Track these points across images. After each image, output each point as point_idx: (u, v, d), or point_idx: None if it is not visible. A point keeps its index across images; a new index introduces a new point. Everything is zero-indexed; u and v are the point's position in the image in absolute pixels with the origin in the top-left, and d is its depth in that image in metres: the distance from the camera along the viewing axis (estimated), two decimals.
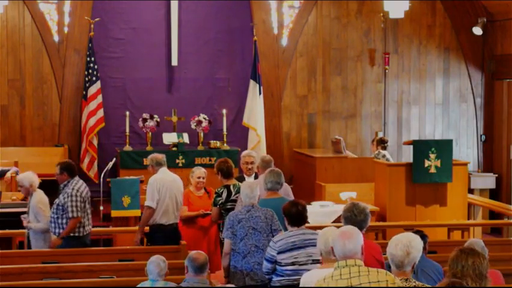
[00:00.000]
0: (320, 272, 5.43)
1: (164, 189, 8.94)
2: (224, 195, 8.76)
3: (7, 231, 9.63)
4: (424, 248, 6.62)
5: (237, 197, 8.62)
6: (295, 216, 6.69)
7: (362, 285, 4.57)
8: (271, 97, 14.60)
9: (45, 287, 7.35)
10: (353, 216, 6.04)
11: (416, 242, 4.91)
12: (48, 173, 13.09)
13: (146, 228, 9.19)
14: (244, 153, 9.62)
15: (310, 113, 14.88)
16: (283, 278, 6.65)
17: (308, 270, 6.18)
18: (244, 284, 7.23)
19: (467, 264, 4.72)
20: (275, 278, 6.68)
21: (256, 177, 9.16)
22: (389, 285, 4.58)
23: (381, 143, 12.80)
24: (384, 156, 12.56)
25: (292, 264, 6.56)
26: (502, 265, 7.51)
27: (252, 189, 7.44)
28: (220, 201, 8.75)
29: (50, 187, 13.27)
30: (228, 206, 8.71)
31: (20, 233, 9.90)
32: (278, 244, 6.61)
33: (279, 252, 6.58)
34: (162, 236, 8.94)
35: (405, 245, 4.86)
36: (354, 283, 4.57)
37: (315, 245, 6.19)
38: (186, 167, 12.69)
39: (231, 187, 8.79)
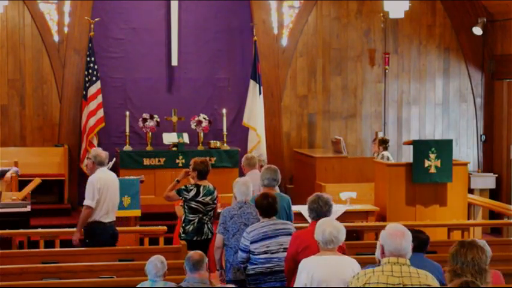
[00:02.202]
0: (317, 259, 5.73)
1: (106, 189, 8.91)
2: (192, 193, 8.74)
3: (7, 231, 9.62)
4: (425, 248, 6.67)
5: (203, 198, 8.74)
6: (266, 207, 7.08)
7: (413, 285, 4.72)
8: (271, 97, 14.60)
9: (45, 287, 7.34)
10: (319, 207, 6.52)
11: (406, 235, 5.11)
12: (48, 173, 13.14)
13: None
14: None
15: (310, 113, 14.87)
16: (256, 266, 7.03)
17: (279, 258, 6.91)
18: (236, 278, 7.46)
19: (467, 261, 4.73)
20: (250, 266, 7.07)
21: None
22: None
23: (383, 143, 12.73)
24: (388, 158, 12.52)
25: (265, 252, 6.95)
26: (502, 265, 7.51)
27: (247, 187, 7.75)
28: (185, 196, 8.75)
29: (50, 187, 13.34)
30: (193, 205, 8.75)
31: (20, 233, 9.92)
32: (251, 234, 6.99)
33: (252, 242, 6.97)
34: (102, 233, 8.91)
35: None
36: (406, 282, 4.75)
37: (285, 234, 6.96)
38: (186, 167, 12.67)
39: (201, 188, 8.79)
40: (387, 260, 4.86)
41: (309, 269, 5.69)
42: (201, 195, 8.75)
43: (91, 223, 8.91)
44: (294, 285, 5.87)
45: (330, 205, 6.57)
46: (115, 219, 9.12)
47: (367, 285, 4.81)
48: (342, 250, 6.09)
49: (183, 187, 8.82)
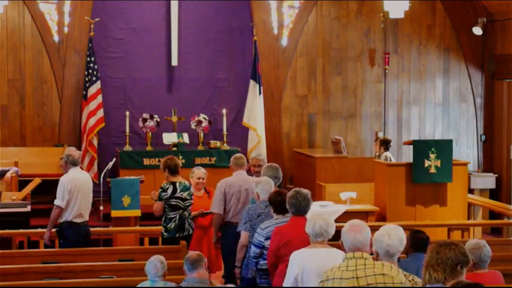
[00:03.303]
0: (307, 251, 6.02)
1: (76, 190, 8.92)
2: (169, 191, 8.89)
3: (7, 231, 9.63)
4: (425, 248, 6.67)
5: (181, 194, 8.90)
6: (280, 204, 7.11)
7: (367, 276, 4.94)
8: (271, 97, 14.60)
9: (45, 287, 7.35)
10: (298, 202, 6.72)
11: (403, 232, 5.40)
12: (48, 173, 13.13)
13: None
14: (252, 155, 9.80)
15: (310, 113, 14.87)
16: None
17: None
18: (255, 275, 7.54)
19: (432, 255, 4.83)
20: (262, 262, 7.10)
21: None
22: (394, 277, 4.94)
23: (385, 144, 12.68)
24: (390, 159, 12.48)
25: None
26: (502, 265, 7.51)
27: (271, 186, 7.76)
28: (165, 196, 8.89)
29: (50, 187, 13.33)
30: (172, 202, 8.89)
31: (20, 233, 9.92)
32: (266, 231, 7.02)
33: (266, 238, 6.98)
34: (74, 233, 8.94)
35: (396, 234, 5.32)
36: (360, 275, 4.95)
37: None
38: (186, 167, 12.65)
39: (177, 184, 8.93)
40: (345, 256, 5.09)
41: (299, 260, 5.96)
42: (179, 191, 8.90)
43: (63, 223, 8.92)
44: (285, 276, 6.11)
45: (308, 200, 6.76)
46: (87, 218, 9.12)
47: (325, 281, 5.06)
48: None
49: (160, 189, 8.95)
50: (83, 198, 8.96)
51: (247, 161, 9.65)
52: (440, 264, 4.77)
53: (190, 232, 9.03)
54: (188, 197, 8.98)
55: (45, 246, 9.46)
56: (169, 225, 8.92)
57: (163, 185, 8.95)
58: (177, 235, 8.88)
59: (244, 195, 8.85)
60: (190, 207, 9.05)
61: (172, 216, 8.90)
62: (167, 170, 8.98)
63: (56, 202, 8.86)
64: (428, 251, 4.86)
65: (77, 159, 9.04)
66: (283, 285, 6.15)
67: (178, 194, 8.89)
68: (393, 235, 5.31)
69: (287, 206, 6.81)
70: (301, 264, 5.94)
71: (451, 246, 4.85)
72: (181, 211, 8.91)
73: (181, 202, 8.91)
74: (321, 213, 6.29)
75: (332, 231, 6.10)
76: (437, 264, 4.77)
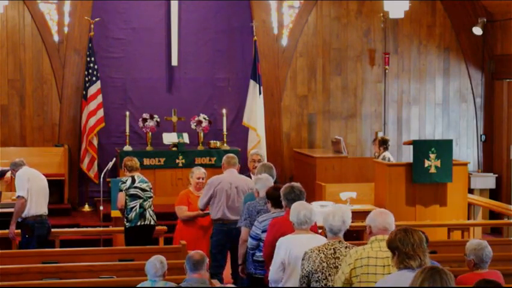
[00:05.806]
0: (293, 237, 6.46)
1: (33, 179, 9.47)
2: (128, 182, 9.50)
3: (7, 231, 9.62)
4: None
5: (140, 184, 9.49)
6: (278, 199, 7.28)
7: None
8: (271, 97, 14.60)
9: (45, 287, 7.35)
10: (296, 195, 6.99)
11: (348, 212, 6.11)
12: (48, 173, 13.09)
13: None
14: (251, 152, 10.19)
15: (310, 113, 14.87)
16: None
17: None
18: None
19: (416, 242, 4.96)
20: (258, 253, 7.38)
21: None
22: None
23: (383, 143, 12.67)
24: (389, 159, 12.49)
25: None
26: (502, 265, 7.52)
27: (271, 182, 7.95)
28: (124, 187, 9.47)
29: (50, 187, 13.30)
30: (132, 192, 9.47)
31: (19, 233, 9.91)
32: (262, 224, 7.30)
33: (263, 231, 7.25)
34: (40, 227, 9.35)
35: (340, 216, 6.01)
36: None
37: None
38: (186, 167, 12.72)
39: (135, 176, 9.56)
40: (375, 238, 5.52)
41: (286, 246, 6.40)
42: (137, 181, 9.49)
43: (28, 218, 9.31)
44: (273, 260, 6.50)
45: (303, 191, 7.07)
46: (46, 211, 9.54)
47: (359, 259, 5.43)
48: (315, 230, 6.80)
49: (120, 182, 9.58)
50: (39, 189, 9.44)
51: (246, 159, 9.78)
52: (423, 250, 4.93)
53: (152, 223, 9.49)
54: (148, 189, 9.57)
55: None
56: (130, 215, 9.41)
57: (122, 179, 9.57)
58: (139, 223, 9.36)
59: (235, 192, 9.15)
60: (151, 200, 9.55)
61: (132, 205, 9.41)
62: (125, 168, 9.64)
63: (18, 193, 9.33)
64: (403, 240, 4.97)
65: (18, 161, 9.65)
66: (271, 269, 6.51)
67: (137, 184, 9.47)
68: (337, 216, 5.99)
69: (284, 201, 7.03)
70: (287, 250, 6.36)
71: (418, 231, 5.03)
72: (141, 201, 9.43)
73: (141, 191, 9.47)
74: (304, 203, 6.65)
75: (315, 219, 6.57)
76: (422, 250, 4.93)
